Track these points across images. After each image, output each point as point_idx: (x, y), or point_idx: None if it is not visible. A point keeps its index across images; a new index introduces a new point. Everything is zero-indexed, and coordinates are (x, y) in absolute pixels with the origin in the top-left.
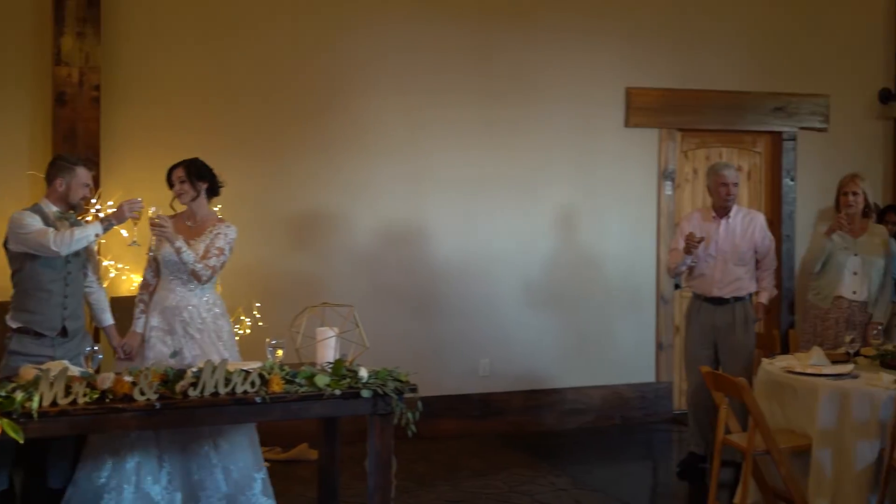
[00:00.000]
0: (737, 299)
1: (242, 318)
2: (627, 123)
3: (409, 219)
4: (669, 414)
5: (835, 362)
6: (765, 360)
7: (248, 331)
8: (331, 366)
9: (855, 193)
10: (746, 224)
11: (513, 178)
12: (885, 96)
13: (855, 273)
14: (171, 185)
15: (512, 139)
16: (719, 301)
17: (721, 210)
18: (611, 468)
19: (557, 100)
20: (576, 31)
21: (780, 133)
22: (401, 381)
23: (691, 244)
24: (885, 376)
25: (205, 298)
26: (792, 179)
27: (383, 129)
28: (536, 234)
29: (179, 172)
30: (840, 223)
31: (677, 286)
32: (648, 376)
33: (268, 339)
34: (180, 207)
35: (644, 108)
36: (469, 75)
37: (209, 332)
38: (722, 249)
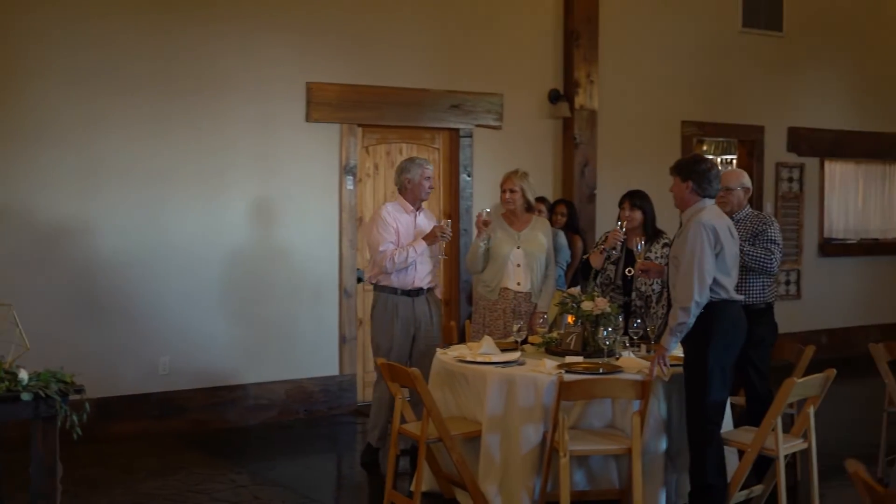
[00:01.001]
0: (428, 290)
1: None
2: (309, 118)
3: (80, 213)
4: (353, 406)
5: (504, 350)
6: (439, 350)
7: None
8: None
9: (513, 191)
10: (427, 217)
11: (194, 172)
12: (555, 96)
13: (518, 265)
14: None
15: (192, 132)
16: (418, 293)
17: (417, 203)
18: (294, 462)
19: (238, 93)
20: (255, 23)
21: (457, 130)
22: (66, 383)
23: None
24: (549, 362)
25: None
26: (469, 175)
27: (51, 118)
28: (219, 229)
29: None
30: (479, 224)
31: (360, 280)
32: (332, 369)
33: None
34: None
35: (325, 104)
36: (146, 65)
37: None
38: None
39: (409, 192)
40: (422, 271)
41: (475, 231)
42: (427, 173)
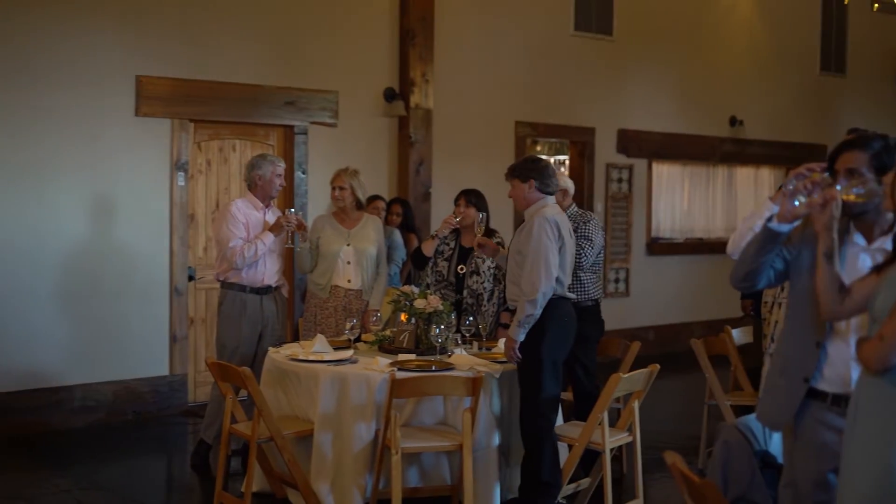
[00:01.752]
0: (276, 288)
1: None
2: (138, 112)
3: None
4: (184, 407)
5: (337, 349)
6: (271, 349)
7: None
8: None
9: (342, 188)
10: (276, 215)
11: (17, 167)
12: (390, 95)
13: (349, 263)
14: None
15: (14, 125)
16: (266, 290)
17: (267, 200)
18: (121, 465)
19: (65, 83)
20: (83, 11)
21: (292, 127)
22: None
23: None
24: (381, 360)
25: None
26: (304, 172)
27: None
28: (44, 224)
29: None
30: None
31: (191, 278)
32: (162, 369)
33: None
34: None
35: (156, 98)
36: None
37: None
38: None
39: (260, 188)
40: (270, 268)
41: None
42: (278, 170)
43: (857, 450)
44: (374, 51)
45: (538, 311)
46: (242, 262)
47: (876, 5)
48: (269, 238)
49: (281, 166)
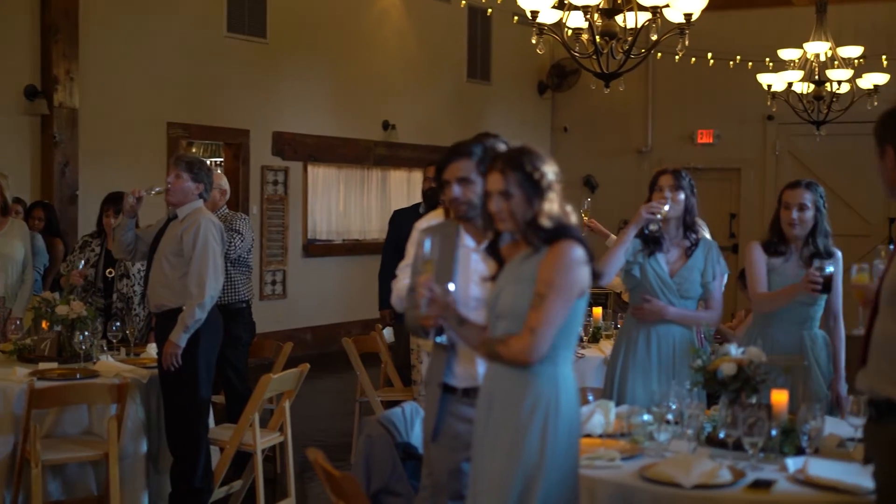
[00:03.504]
0: None
1: None
2: None
3: None
4: None
5: None
6: None
7: None
8: None
9: None
10: None
11: None
12: (32, 93)
13: None
14: None
15: None
16: None
17: None
18: None
19: None
20: None
21: None
22: None
23: None
24: (20, 370)
25: None
26: None
27: None
28: None
29: None
30: None
31: None
32: None
33: None
34: None
35: None
36: None
37: None
38: None
39: None
40: None
41: None
42: None
43: (491, 437)
44: (13, 46)
45: (205, 315)
46: None
47: (515, 18)
48: None
49: None
